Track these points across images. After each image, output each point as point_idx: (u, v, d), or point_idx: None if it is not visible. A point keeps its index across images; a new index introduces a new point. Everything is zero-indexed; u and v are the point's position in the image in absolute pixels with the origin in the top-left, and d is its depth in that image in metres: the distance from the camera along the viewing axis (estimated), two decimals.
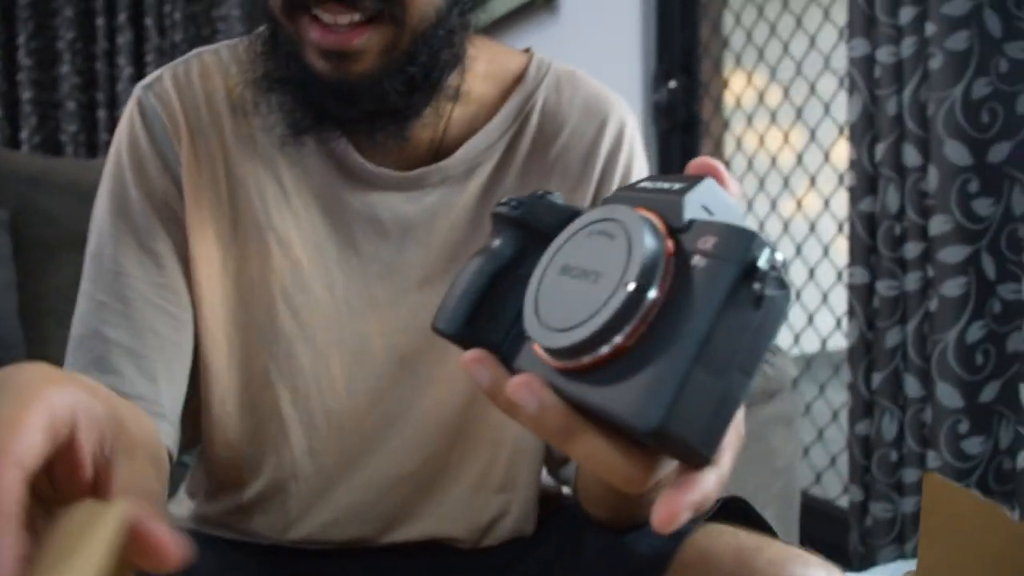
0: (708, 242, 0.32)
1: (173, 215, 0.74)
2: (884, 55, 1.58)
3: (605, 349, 0.33)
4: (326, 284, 0.75)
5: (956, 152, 1.47)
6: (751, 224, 0.35)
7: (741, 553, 0.62)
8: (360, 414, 0.76)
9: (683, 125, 2.33)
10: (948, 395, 1.54)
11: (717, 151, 2.43)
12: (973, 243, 1.50)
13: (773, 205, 2.25)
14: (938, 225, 1.51)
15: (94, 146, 2.28)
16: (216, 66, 0.76)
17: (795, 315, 2.21)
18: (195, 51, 0.78)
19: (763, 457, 1.36)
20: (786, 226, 2.23)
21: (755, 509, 0.70)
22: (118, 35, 2.34)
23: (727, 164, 2.42)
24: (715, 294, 0.31)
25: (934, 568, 0.45)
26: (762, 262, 0.31)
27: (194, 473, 0.85)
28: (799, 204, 2.19)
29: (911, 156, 1.55)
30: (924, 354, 1.60)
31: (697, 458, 0.32)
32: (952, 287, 1.52)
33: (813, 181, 2.11)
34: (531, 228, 0.41)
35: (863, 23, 1.63)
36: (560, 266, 0.37)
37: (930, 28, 1.48)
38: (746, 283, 0.31)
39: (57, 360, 0.73)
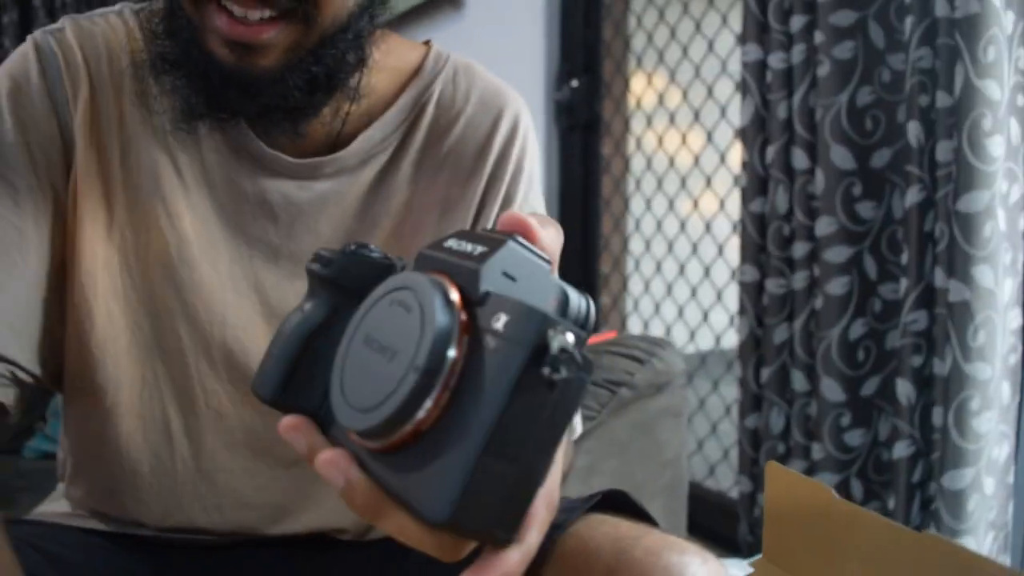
0: (499, 320, 0.31)
1: (47, 160, 0.70)
2: (775, 61, 1.63)
3: (400, 433, 0.32)
4: (211, 261, 0.73)
5: (841, 156, 1.53)
6: (559, 282, 0.34)
7: (619, 542, 0.63)
8: (239, 398, 0.75)
9: (585, 124, 2.36)
10: (832, 389, 1.61)
11: (618, 150, 2.47)
12: (856, 244, 1.57)
13: (671, 204, 2.31)
14: (824, 226, 1.57)
15: None
16: (120, 26, 0.74)
17: (691, 312, 2.27)
18: (99, 10, 0.76)
19: (652, 449, 1.40)
20: (683, 225, 2.28)
21: (634, 500, 0.72)
22: (3, 14, 2.24)
23: (626, 163, 2.46)
24: (504, 380, 0.30)
25: (778, 549, 0.47)
26: (553, 345, 0.30)
27: (63, 457, 0.82)
28: (696, 204, 2.24)
29: (799, 159, 1.61)
30: (810, 350, 1.67)
31: (497, 541, 0.32)
32: (836, 286, 1.58)
33: (709, 182, 2.17)
34: (343, 287, 0.39)
35: (756, 29, 1.68)
36: (364, 336, 0.35)
37: (819, 36, 1.53)
38: (536, 367, 0.30)
39: None
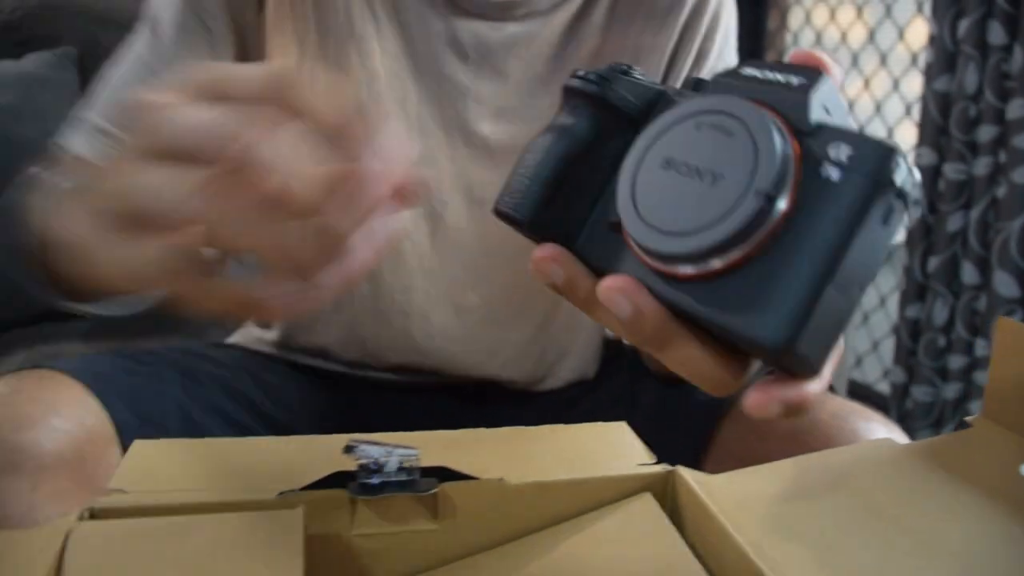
0: (842, 152, 0.30)
1: (240, 14, 0.73)
2: None
3: (726, 259, 0.31)
4: (399, 99, 0.75)
5: None
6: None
7: None
8: (421, 237, 0.77)
9: None
10: (1005, 284, 1.53)
11: (783, 23, 2.34)
12: None
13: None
14: (1017, 109, 1.46)
15: None
16: None
17: None
18: None
19: None
20: (851, 106, 2.17)
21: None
22: None
23: (795, 38, 2.34)
24: (852, 211, 0.29)
25: (1002, 408, 0.46)
26: (897, 180, 0.29)
27: None
28: (867, 83, 2.12)
29: (996, 34, 1.49)
30: (985, 241, 1.58)
31: (809, 372, 0.31)
32: (1023, 175, 1.48)
33: (884, 60, 2.04)
34: (612, 107, 0.37)
35: None
36: (663, 158, 0.33)
37: None
38: (881, 201, 0.29)
39: None
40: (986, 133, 1.54)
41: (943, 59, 1.60)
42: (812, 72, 0.32)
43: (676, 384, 0.75)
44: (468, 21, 0.75)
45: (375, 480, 0.41)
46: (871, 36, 2.07)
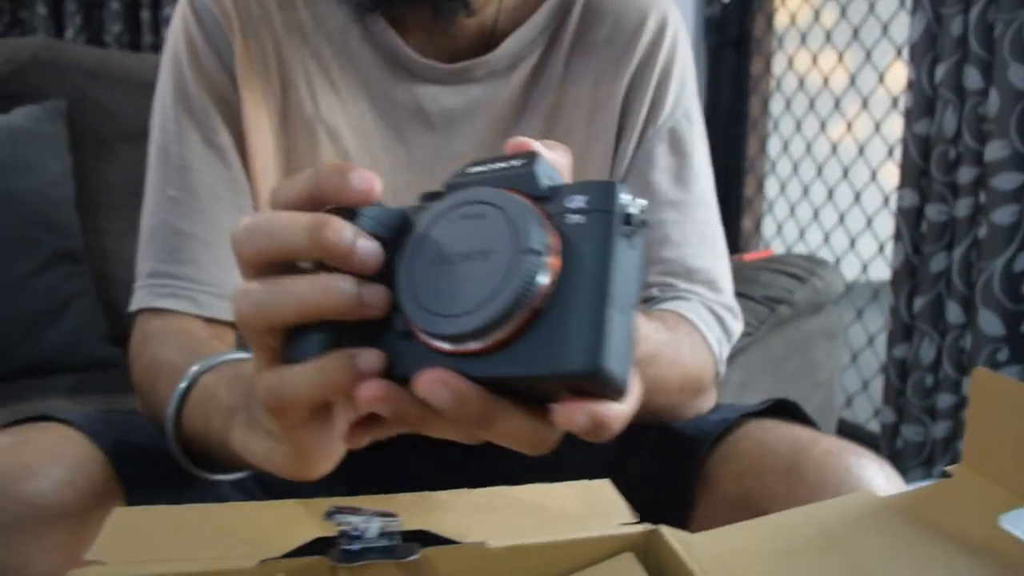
0: (576, 200, 0.35)
1: (231, 109, 0.75)
2: None
3: (520, 317, 0.34)
4: (374, 173, 0.76)
5: (1021, 76, 1.44)
6: None
7: (796, 443, 0.64)
8: None
9: (735, 41, 2.28)
10: (990, 323, 1.54)
11: (767, 70, 2.38)
12: None
13: (823, 126, 2.22)
14: (995, 151, 1.49)
15: (137, 46, 2.27)
16: None
17: (838, 240, 2.20)
18: None
19: (806, 369, 1.38)
20: (835, 148, 2.20)
21: (804, 410, 0.71)
22: None
23: (777, 83, 2.37)
24: (604, 242, 0.34)
25: (981, 457, 0.46)
26: (628, 207, 0.34)
27: None
28: (849, 126, 2.15)
29: (973, 79, 1.52)
30: (969, 281, 1.60)
31: (619, 391, 0.34)
32: (1003, 215, 1.50)
33: (865, 103, 2.07)
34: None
35: None
36: (432, 257, 0.36)
37: None
38: (621, 227, 0.34)
39: (112, 250, 0.75)
40: (966, 175, 1.56)
41: (922, 103, 1.63)
42: (528, 154, 0.37)
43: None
44: (430, 87, 0.77)
45: (356, 547, 0.41)
46: (852, 80, 2.10)
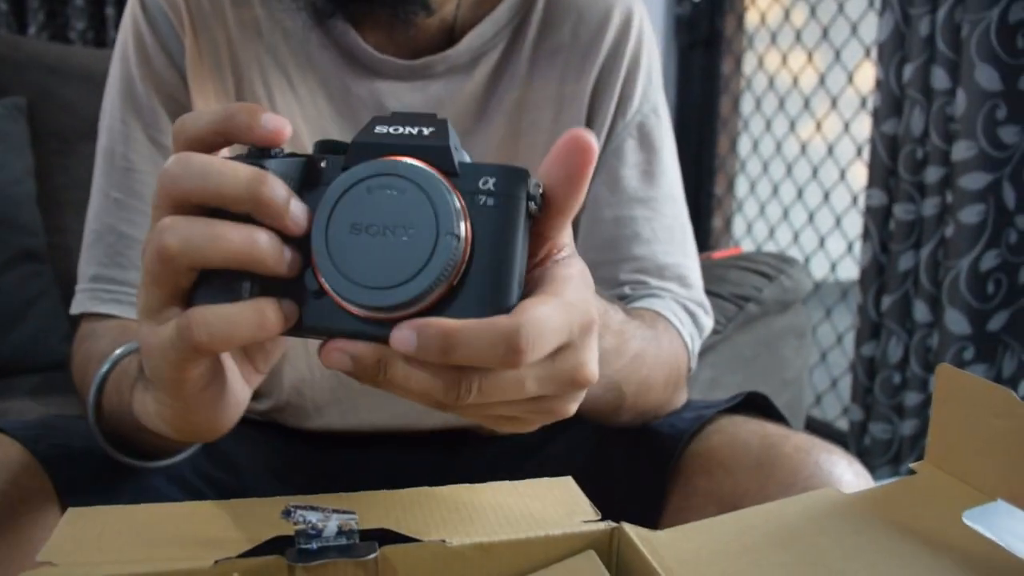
0: (489, 183, 0.37)
1: (181, 108, 0.73)
2: None
3: (437, 293, 0.37)
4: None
5: (987, 77, 1.45)
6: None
7: (767, 439, 0.64)
8: None
9: (705, 40, 2.29)
10: (956, 322, 1.56)
11: (737, 69, 2.39)
12: (995, 171, 1.50)
13: (792, 126, 2.23)
14: (962, 151, 1.50)
15: (103, 43, 2.24)
16: None
17: (807, 239, 2.22)
18: None
19: (774, 367, 1.39)
20: (804, 148, 2.21)
21: (775, 405, 0.72)
22: None
23: (748, 83, 2.39)
24: (513, 225, 0.37)
25: (944, 454, 0.46)
26: (533, 190, 0.38)
27: None
28: (819, 126, 2.17)
29: (940, 79, 1.53)
30: (936, 280, 1.61)
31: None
32: (970, 214, 1.52)
33: (834, 103, 2.09)
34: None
35: None
36: (348, 224, 0.38)
37: None
38: (526, 210, 0.38)
39: (75, 249, 0.73)
40: (933, 174, 1.57)
41: (890, 103, 1.64)
42: (436, 120, 0.39)
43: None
44: (390, 83, 0.75)
45: (313, 546, 0.40)
46: (822, 80, 2.12)
